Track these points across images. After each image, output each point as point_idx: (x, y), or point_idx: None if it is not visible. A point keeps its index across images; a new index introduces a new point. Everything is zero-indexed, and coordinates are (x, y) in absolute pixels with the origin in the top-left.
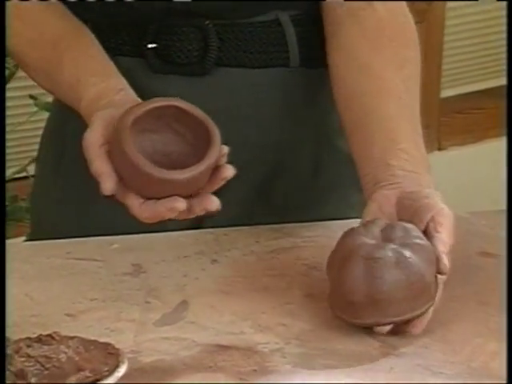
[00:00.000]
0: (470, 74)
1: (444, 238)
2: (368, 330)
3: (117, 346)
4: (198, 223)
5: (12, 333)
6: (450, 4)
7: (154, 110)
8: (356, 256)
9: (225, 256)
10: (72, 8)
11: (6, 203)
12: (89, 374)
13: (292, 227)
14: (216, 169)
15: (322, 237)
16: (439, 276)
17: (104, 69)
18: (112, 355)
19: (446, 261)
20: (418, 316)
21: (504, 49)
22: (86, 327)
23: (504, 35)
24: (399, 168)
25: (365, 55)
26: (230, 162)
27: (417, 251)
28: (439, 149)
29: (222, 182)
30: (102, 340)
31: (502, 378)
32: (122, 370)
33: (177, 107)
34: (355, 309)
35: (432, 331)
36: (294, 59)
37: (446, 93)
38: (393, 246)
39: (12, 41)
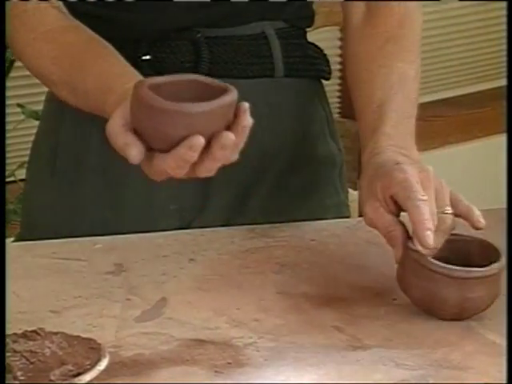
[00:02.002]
0: (429, 84)
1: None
2: (336, 325)
3: (99, 341)
4: (186, 225)
5: None
6: None
7: (175, 82)
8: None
9: (202, 255)
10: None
11: None
12: (71, 368)
13: (265, 228)
14: (236, 117)
15: (293, 237)
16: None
17: (127, 72)
18: (94, 350)
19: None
20: None
21: (459, 61)
22: (69, 323)
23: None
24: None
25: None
26: None
27: None
28: None
29: (244, 132)
30: (84, 335)
31: (459, 369)
32: (103, 364)
33: (198, 82)
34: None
35: (396, 325)
36: (279, 70)
37: None
38: None
39: (37, 62)
